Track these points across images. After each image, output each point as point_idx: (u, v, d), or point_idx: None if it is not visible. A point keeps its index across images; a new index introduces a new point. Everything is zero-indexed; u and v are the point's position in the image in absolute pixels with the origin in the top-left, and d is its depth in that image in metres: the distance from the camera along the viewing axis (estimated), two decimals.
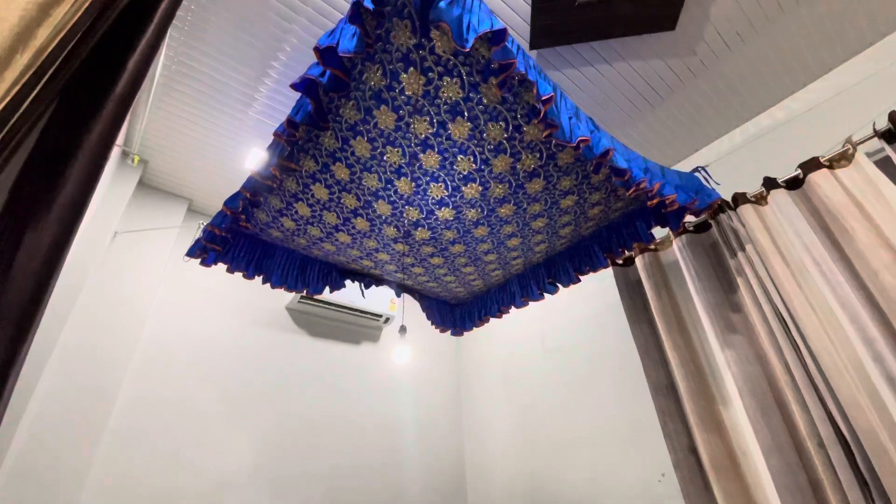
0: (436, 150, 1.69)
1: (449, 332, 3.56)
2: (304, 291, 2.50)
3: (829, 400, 1.70)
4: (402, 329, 2.53)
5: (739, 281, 2.13)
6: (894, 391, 1.61)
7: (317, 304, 3.17)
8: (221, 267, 2.35)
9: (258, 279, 2.40)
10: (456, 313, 3.39)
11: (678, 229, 2.33)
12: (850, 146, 1.99)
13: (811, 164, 2.04)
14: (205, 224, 2.06)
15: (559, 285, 2.60)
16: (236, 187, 1.85)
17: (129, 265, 2.54)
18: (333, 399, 3.05)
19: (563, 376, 3.04)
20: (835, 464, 1.64)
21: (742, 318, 2.11)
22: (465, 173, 1.79)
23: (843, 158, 2.01)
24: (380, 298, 3.46)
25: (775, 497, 1.78)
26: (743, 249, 2.13)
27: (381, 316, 3.46)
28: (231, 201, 1.86)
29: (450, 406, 3.69)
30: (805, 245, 1.97)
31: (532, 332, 3.39)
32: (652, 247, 2.59)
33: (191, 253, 2.18)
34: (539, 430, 3.07)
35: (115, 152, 2.47)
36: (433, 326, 3.55)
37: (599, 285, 3.00)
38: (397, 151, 1.70)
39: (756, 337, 2.02)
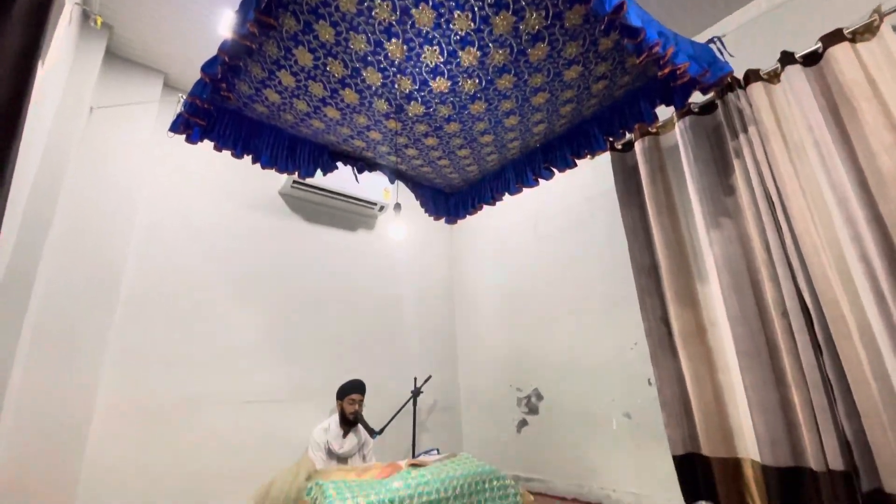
0: (430, 2, 1.52)
1: (443, 219, 3.61)
2: (296, 174, 2.46)
3: (800, 276, 1.80)
4: (397, 206, 2.56)
5: (736, 164, 2.11)
6: (864, 267, 1.70)
7: (310, 189, 3.14)
8: (211, 150, 2.27)
9: (248, 159, 2.34)
10: (450, 202, 3.39)
11: (682, 108, 2.24)
12: (876, 17, 1.83)
13: (833, 37, 1.89)
14: (184, 97, 1.94)
15: (555, 170, 2.57)
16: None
17: (111, 144, 2.45)
18: (333, 281, 3.19)
19: (552, 260, 3.17)
20: (794, 331, 1.80)
21: (733, 202, 2.14)
22: (463, 34, 1.64)
23: (867, 31, 1.86)
24: (374, 186, 3.43)
25: (734, 360, 1.99)
26: (745, 131, 2.08)
27: (375, 204, 3.47)
28: (209, 66, 1.73)
29: (443, 288, 3.91)
30: (809, 126, 1.91)
31: (525, 218, 3.45)
32: (653, 129, 2.52)
33: (174, 128, 2.08)
34: (525, 308, 3.29)
35: (75, 11, 2.21)
36: (427, 215, 3.60)
37: (593, 172, 2.98)
38: (386, 6, 1.53)
39: (743, 219, 2.07)
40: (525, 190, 3.17)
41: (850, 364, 1.63)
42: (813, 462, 1.69)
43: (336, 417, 2.56)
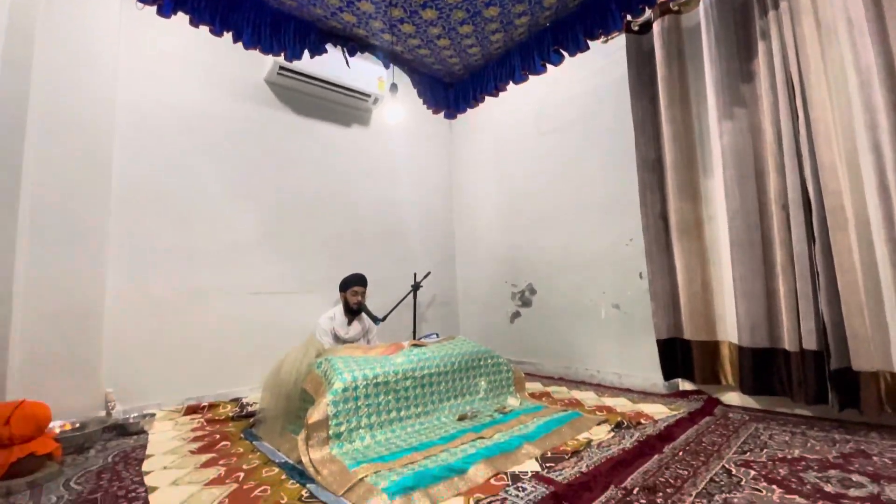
0: None
1: (442, 113, 3.43)
2: (282, 55, 2.25)
3: (807, 167, 1.76)
4: (393, 87, 2.41)
5: (760, 46, 1.95)
6: (874, 158, 1.66)
7: (298, 77, 2.92)
8: (188, 29, 2.05)
9: (228, 39, 2.13)
10: (450, 94, 3.18)
11: None
12: None
13: None
14: None
15: (565, 54, 2.36)
16: None
17: (78, 18, 2.19)
18: (330, 179, 3.12)
19: (553, 158, 3.08)
20: (791, 222, 1.81)
21: (750, 89, 2.01)
22: None
23: None
24: (367, 76, 3.19)
25: (727, 253, 2.03)
26: (776, 7, 1.88)
27: (369, 96, 3.26)
28: None
29: (442, 189, 3.85)
30: (845, 4, 1.73)
31: (527, 114, 3.28)
32: (675, 7, 2.28)
33: None
34: (523, 207, 3.29)
35: None
36: (426, 107, 3.40)
37: (604, 60, 2.76)
38: None
39: (758, 108, 1.97)
40: (530, 79, 2.96)
41: (841, 254, 1.67)
42: (788, 343, 1.82)
43: (340, 307, 2.68)
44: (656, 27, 2.32)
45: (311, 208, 3.04)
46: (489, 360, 2.19)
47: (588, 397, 2.33)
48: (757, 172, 1.97)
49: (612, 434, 1.69)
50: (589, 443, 1.60)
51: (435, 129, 3.84)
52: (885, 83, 1.65)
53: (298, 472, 1.43)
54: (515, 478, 1.32)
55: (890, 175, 1.62)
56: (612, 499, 1.16)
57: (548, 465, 1.41)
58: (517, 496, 1.20)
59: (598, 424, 1.80)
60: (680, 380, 2.28)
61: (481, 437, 1.61)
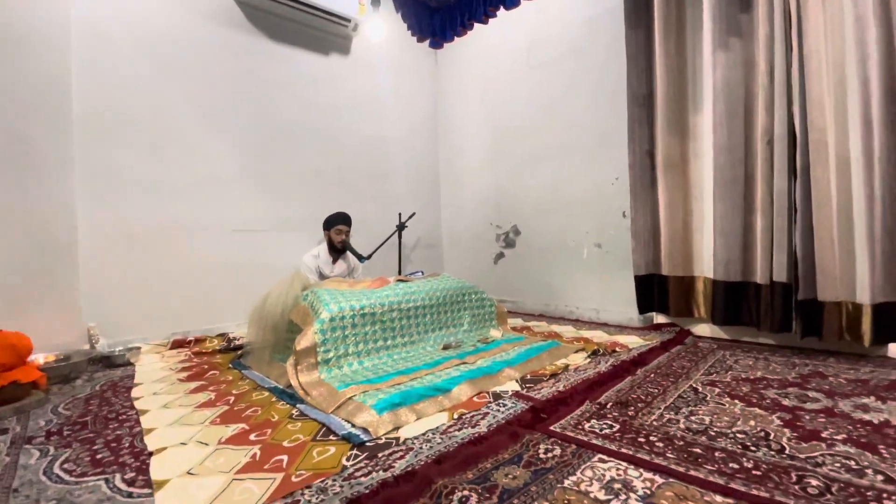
0: None
1: (427, 42, 3.24)
2: None
3: (796, 101, 1.75)
4: (375, 2, 2.25)
5: None
6: (861, 92, 1.65)
7: None
8: None
9: None
10: (436, 20, 3.00)
11: None
12: None
13: None
14: None
15: None
16: None
17: None
18: (310, 113, 2.97)
19: (542, 94, 2.98)
20: (775, 157, 1.82)
21: (748, 19, 1.94)
22: None
23: None
24: None
25: (710, 189, 2.05)
26: None
27: (348, 21, 3.03)
28: None
29: (427, 127, 3.72)
30: None
31: (518, 46, 3.12)
32: None
33: None
34: (509, 146, 3.22)
35: None
36: (410, 34, 3.20)
37: None
38: None
39: (755, 38, 1.91)
40: (523, 4, 2.80)
41: (819, 189, 1.70)
42: (759, 277, 1.90)
43: (325, 246, 2.66)
44: None
45: (293, 143, 2.92)
46: (473, 296, 2.23)
47: (566, 330, 2.42)
48: (746, 108, 1.95)
49: (589, 360, 1.78)
50: (566, 367, 1.68)
51: (420, 61, 3.65)
52: (880, 18, 1.61)
53: (288, 395, 1.47)
54: (497, 396, 1.39)
55: (874, 110, 1.63)
56: (587, 412, 1.24)
57: (527, 385, 1.49)
58: (498, 410, 1.27)
59: (576, 352, 1.89)
60: (655, 313, 2.38)
61: (465, 363, 1.67)
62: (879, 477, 0.86)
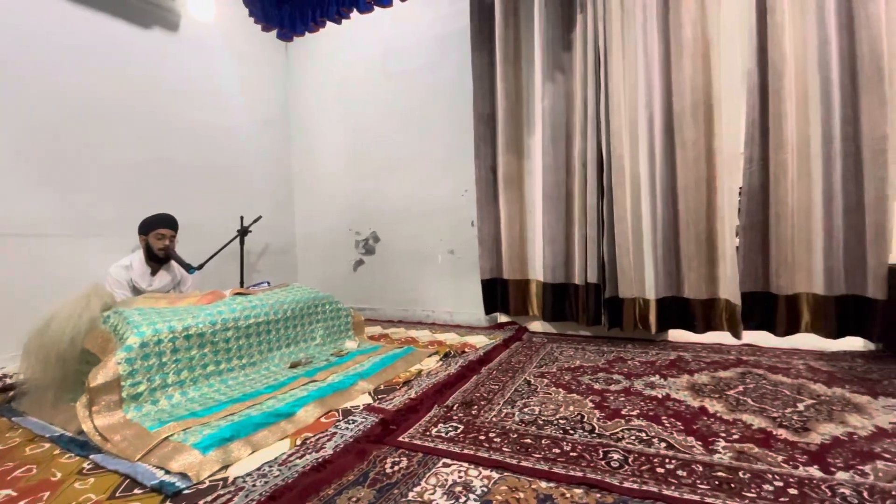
0: None
1: (275, 32, 3.00)
2: None
3: (603, 131, 2.10)
4: None
5: (579, 18, 2.18)
6: (647, 128, 2.06)
7: None
8: None
9: None
10: (284, 10, 2.79)
11: None
12: None
13: None
14: None
15: None
16: None
17: None
18: (125, 91, 2.45)
19: (401, 103, 3.02)
20: (588, 178, 2.15)
21: (569, 57, 2.26)
22: None
23: None
24: None
25: (540, 201, 2.33)
26: None
27: None
28: None
29: (278, 122, 3.43)
30: None
31: (374, 52, 3.11)
32: None
33: None
34: (370, 152, 3.18)
35: None
36: (255, 22, 2.92)
37: (450, 7, 2.76)
38: None
39: (574, 74, 2.23)
40: (379, 13, 2.80)
41: (619, 205, 2.06)
42: (577, 279, 2.22)
43: (140, 254, 2.22)
44: None
45: (99, 125, 2.38)
46: (327, 306, 2.12)
47: (423, 335, 2.48)
48: (567, 134, 2.26)
49: (441, 363, 1.84)
50: (419, 373, 1.71)
51: (269, 52, 3.35)
52: (662, 65, 2.04)
53: (79, 444, 1.17)
54: (347, 413, 1.33)
55: (657, 142, 2.05)
56: (436, 416, 1.27)
57: (380, 396, 1.46)
58: (346, 428, 1.21)
59: (429, 356, 1.93)
60: (499, 313, 2.60)
61: (315, 381, 1.57)
62: (663, 444, 1.06)
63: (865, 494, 0.81)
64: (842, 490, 0.83)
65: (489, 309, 2.54)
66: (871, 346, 1.77)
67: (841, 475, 0.89)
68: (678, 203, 2.00)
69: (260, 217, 2.88)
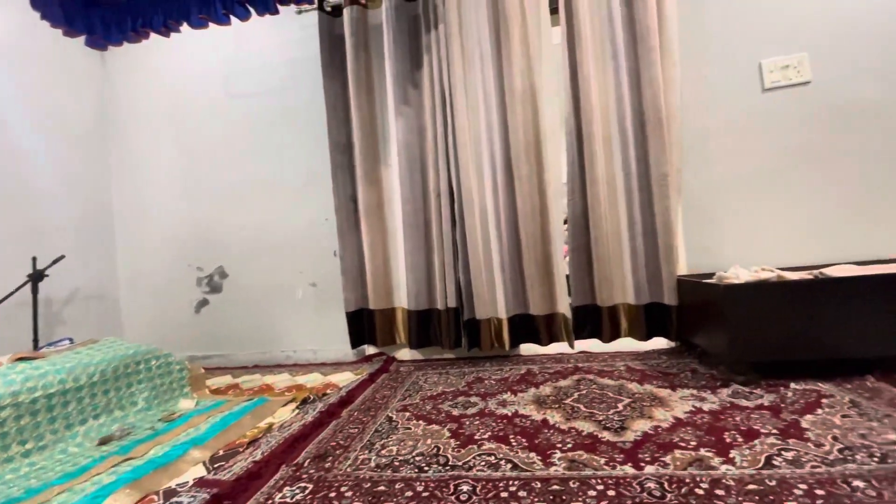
0: None
1: (83, 39, 2.53)
2: None
3: (453, 166, 2.23)
4: None
5: (425, 57, 2.30)
6: (490, 163, 2.25)
7: None
8: None
9: None
10: (94, 14, 2.38)
11: None
12: None
13: None
14: None
15: (251, 10, 2.14)
16: None
17: None
18: None
19: (248, 127, 2.79)
20: (442, 209, 2.25)
21: (418, 94, 2.36)
22: None
23: None
24: None
25: (401, 231, 2.35)
26: (436, 27, 2.26)
27: None
28: None
29: (91, 142, 2.86)
30: (479, 38, 2.25)
31: (216, 71, 2.83)
32: (363, 1, 2.42)
33: None
34: (212, 178, 2.85)
35: None
36: (51, 26, 2.43)
37: (302, 33, 2.67)
38: None
39: (423, 111, 2.33)
40: (218, 30, 2.58)
41: (471, 234, 2.19)
42: (439, 304, 2.28)
43: None
44: (346, 14, 2.40)
45: None
46: (153, 361, 1.80)
47: (281, 379, 2.26)
48: (422, 166, 2.34)
49: (297, 412, 1.69)
50: (270, 427, 1.54)
51: (75, 60, 2.81)
52: (499, 109, 2.25)
53: None
54: (171, 493, 1.12)
55: (499, 177, 2.24)
56: (283, 479, 1.14)
57: (217, 464, 1.27)
58: None
59: (284, 405, 1.76)
60: (367, 346, 2.52)
61: (130, 459, 1.29)
62: (509, 465, 1.11)
63: (666, 485, 0.95)
64: (648, 484, 0.96)
65: (356, 342, 2.45)
66: (671, 344, 2.16)
67: (648, 469, 1.03)
68: (519, 230, 2.20)
69: (62, 257, 2.35)
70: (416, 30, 2.36)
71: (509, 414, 1.47)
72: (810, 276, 1.61)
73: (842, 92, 2.05)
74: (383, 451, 1.26)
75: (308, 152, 2.68)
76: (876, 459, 0.97)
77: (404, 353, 2.44)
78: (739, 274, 1.69)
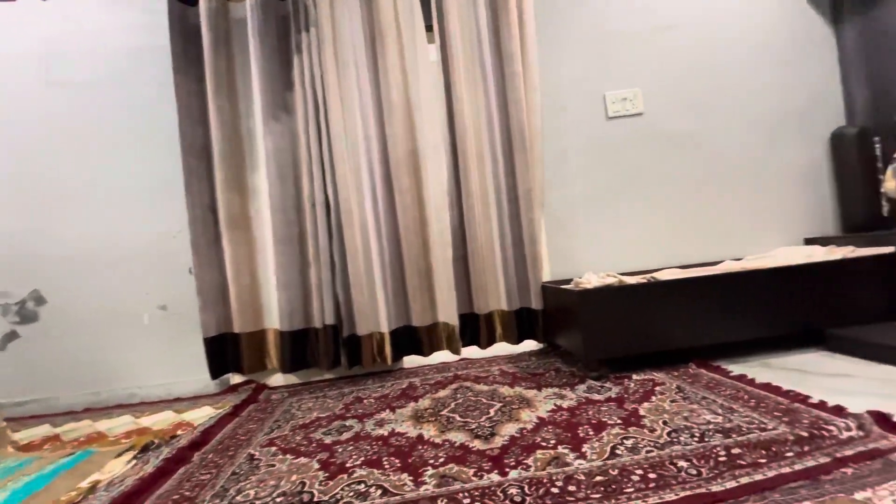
0: None
1: None
2: None
3: (328, 175, 2.13)
4: None
5: (296, 60, 2.17)
6: (369, 174, 2.20)
7: None
8: None
9: None
10: None
11: None
12: None
13: None
14: None
15: None
16: None
17: None
18: None
19: (75, 121, 2.31)
20: (318, 220, 2.13)
21: (291, 97, 2.21)
22: None
23: None
24: None
25: (271, 244, 2.17)
26: (308, 30, 2.15)
27: None
28: None
29: None
30: (353, 46, 2.20)
31: (30, 51, 2.31)
32: None
33: None
34: (26, 181, 2.30)
35: None
36: None
37: (149, 18, 2.32)
38: None
39: (296, 114, 2.19)
40: (31, 8, 2.13)
41: (350, 247, 2.11)
42: (316, 322, 2.14)
43: None
44: (203, 4, 2.15)
45: None
46: None
47: (119, 424, 1.90)
48: (295, 175, 2.20)
49: (135, 462, 1.42)
50: (94, 487, 1.26)
51: None
52: (376, 120, 2.22)
53: None
54: None
55: (378, 189, 2.20)
56: None
57: None
58: None
59: (118, 456, 1.47)
60: (231, 374, 2.26)
61: None
62: (379, 492, 1.06)
63: (526, 488, 0.98)
64: (511, 490, 0.99)
65: (217, 371, 2.17)
66: (540, 345, 2.32)
67: (512, 474, 1.06)
68: (401, 242, 2.19)
69: None
70: (286, 29, 2.22)
71: (385, 434, 1.42)
72: (645, 280, 1.86)
73: (667, 122, 2.45)
74: (238, 498, 1.11)
75: (155, 155, 2.33)
76: (696, 439, 1.14)
77: (277, 379, 2.24)
78: (591, 279, 1.89)
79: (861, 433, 1.05)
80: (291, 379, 2.23)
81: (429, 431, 1.39)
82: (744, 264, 2.02)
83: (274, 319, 2.20)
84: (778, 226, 2.45)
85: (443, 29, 2.22)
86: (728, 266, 2.05)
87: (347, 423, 1.57)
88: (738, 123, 2.47)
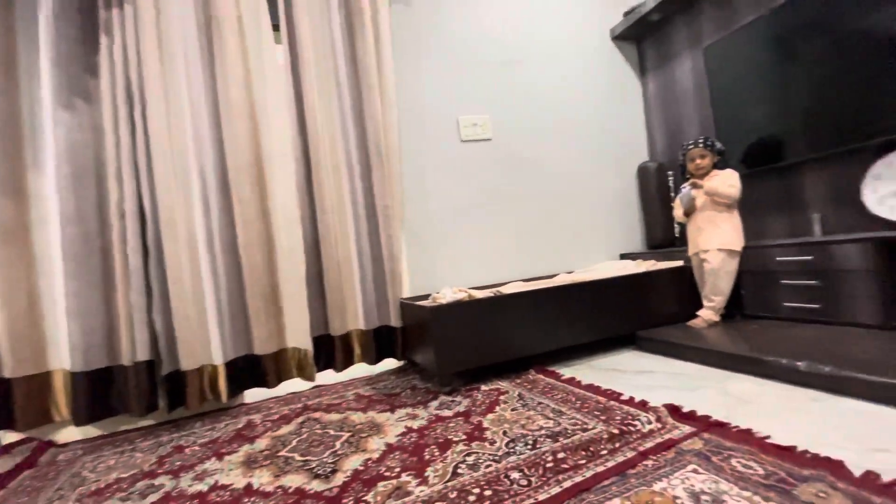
0: None
1: None
2: None
3: (144, 178, 1.78)
4: None
5: (104, 40, 1.80)
6: (201, 181, 1.91)
7: None
8: None
9: None
10: None
11: None
12: None
13: None
14: None
15: None
16: None
17: None
18: None
19: None
20: (128, 233, 1.76)
21: (94, 84, 1.82)
22: None
23: None
24: None
25: (59, 262, 1.72)
26: (121, 6, 1.81)
27: None
28: None
29: None
30: (183, 36, 1.91)
31: None
32: None
33: None
34: None
35: None
36: None
37: None
38: None
39: (101, 105, 1.80)
40: None
41: (173, 265, 1.79)
42: (125, 359, 1.75)
43: None
44: None
45: None
46: None
47: None
48: (98, 177, 1.79)
49: None
50: None
51: None
52: (212, 120, 1.95)
53: None
54: None
55: (212, 198, 1.93)
56: None
57: None
58: None
59: None
60: (2, 432, 1.71)
61: None
62: None
63: None
64: None
65: None
66: (399, 363, 2.27)
67: None
68: (241, 260, 1.93)
69: None
70: (92, 2, 1.83)
71: (205, 490, 1.19)
72: (492, 294, 1.95)
73: (511, 148, 2.66)
74: None
75: None
76: (529, 447, 1.18)
77: (70, 433, 1.77)
78: (446, 294, 1.91)
79: (659, 425, 1.21)
80: (92, 431, 1.78)
81: (261, 478, 1.21)
82: (573, 277, 2.27)
83: (63, 358, 1.74)
84: (600, 243, 2.84)
85: (292, 31, 2.08)
86: (561, 279, 2.28)
87: (157, 481, 1.29)
88: (570, 153, 2.81)
